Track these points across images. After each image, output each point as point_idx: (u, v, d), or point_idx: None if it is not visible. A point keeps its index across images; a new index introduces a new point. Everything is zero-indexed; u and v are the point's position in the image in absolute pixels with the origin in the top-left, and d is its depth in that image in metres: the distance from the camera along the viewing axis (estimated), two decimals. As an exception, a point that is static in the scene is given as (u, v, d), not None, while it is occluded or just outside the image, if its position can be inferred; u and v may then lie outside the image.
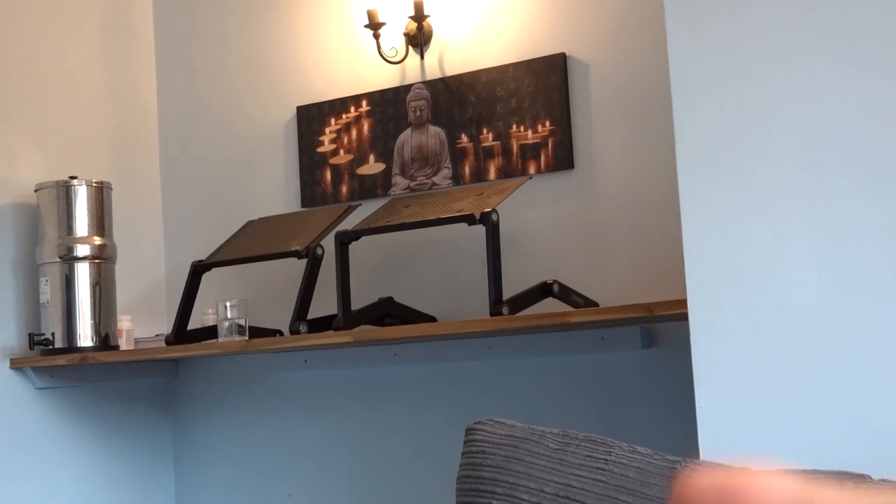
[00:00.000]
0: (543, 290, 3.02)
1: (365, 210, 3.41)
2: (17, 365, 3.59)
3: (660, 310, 2.60)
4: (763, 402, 2.23)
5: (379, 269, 3.51)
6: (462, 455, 2.20)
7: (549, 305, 3.02)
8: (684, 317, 2.34)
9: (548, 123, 3.30)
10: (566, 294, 3.02)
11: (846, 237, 2.20)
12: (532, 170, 3.30)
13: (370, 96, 3.61)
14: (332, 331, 3.10)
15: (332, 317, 3.15)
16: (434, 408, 3.45)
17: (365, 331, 3.14)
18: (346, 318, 3.11)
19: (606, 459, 2.07)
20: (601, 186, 3.22)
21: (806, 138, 2.23)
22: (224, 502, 3.90)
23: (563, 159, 3.27)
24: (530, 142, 3.32)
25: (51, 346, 3.50)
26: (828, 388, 2.20)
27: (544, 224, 3.29)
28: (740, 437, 2.24)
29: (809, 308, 2.22)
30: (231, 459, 3.89)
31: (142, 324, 3.86)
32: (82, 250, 3.56)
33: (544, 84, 3.31)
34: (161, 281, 4.05)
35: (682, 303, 2.35)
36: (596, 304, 3.04)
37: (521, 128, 3.34)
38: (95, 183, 3.61)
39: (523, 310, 2.95)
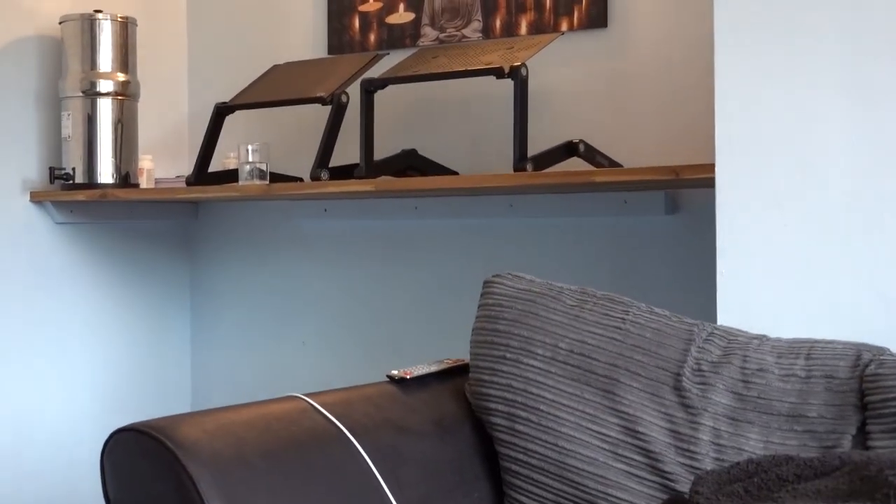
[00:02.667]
0: (569, 149, 2.99)
1: (392, 60, 3.35)
2: (37, 198, 3.60)
3: (686, 173, 2.57)
4: (784, 271, 2.22)
5: (404, 120, 3.47)
6: (478, 307, 2.20)
7: (574, 165, 2.99)
8: (710, 183, 2.32)
9: (583, -21, 3.22)
10: (591, 154, 2.98)
11: (884, 109, 2.15)
12: (564, 26, 3.24)
13: (403, -57, 3.53)
14: (353, 179, 3.08)
15: (354, 166, 3.13)
16: (452, 262, 3.45)
17: (386, 181, 3.12)
18: (368, 167, 3.08)
19: (623, 318, 2.07)
20: (634, 47, 3.16)
21: (847, 1, 2.18)
22: (238, 345, 3.94)
23: (597, 17, 3.20)
24: (564, -3, 3.25)
25: (71, 181, 3.50)
26: (852, 261, 2.18)
27: (573, 83, 3.24)
28: (759, 304, 2.23)
29: (840, 179, 2.19)
30: (246, 303, 3.92)
31: (163, 164, 3.85)
32: (105, 86, 3.53)
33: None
34: (184, 122, 4.03)
35: (710, 167, 2.33)
36: (620, 167, 3.00)
37: (556, -17, 3.26)
38: (120, 18, 3.57)
39: (547, 168, 2.92)
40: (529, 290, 2.17)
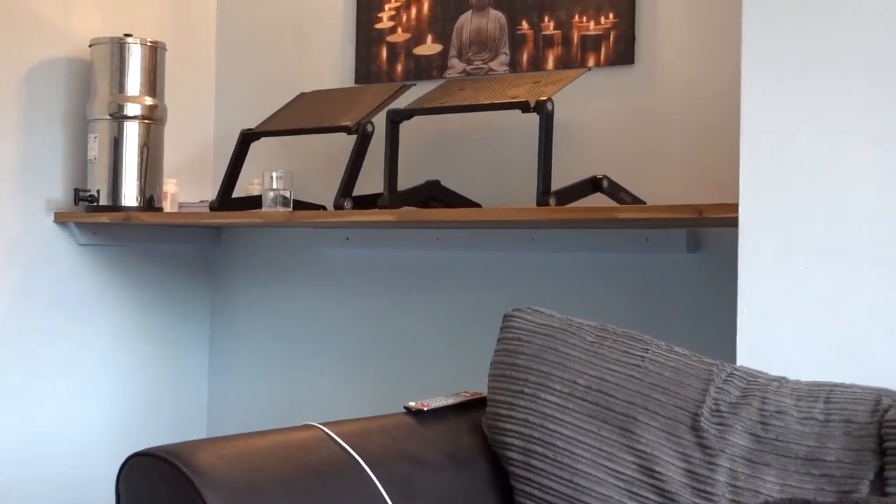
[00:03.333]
0: (592, 185, 2.99)
1: (419, 91, 3.37)
2: (61, 219, 3.62)
3: (710, 212, 2.57)
4: (806, 313, 2.22)
5: (428, 151, 3.49)
6: (498, 341, 2.20)
7: (597, 201, 3.00)
8: (733, 222, 2.32)
9: (611, 16, 3.23)
10: (615, 190, 2.99)
11: (909, 152, 2.15)
12: (591, 62, 3.25)
13: (432, -25, 3.55)
14: (376, 209, 3.09)
15: (378, 195, 3.14)
16: (473, 295, 3.46)
17: (409, 212, 3.13)
18: (392, 197, 3.09)
19: (643, 356, 2.07)
20: (660, 84, 3.16)
21: (879, 44, 2.18)
22: (256, 372, 3.95)
23: (624, 53, 3.21)
24: (592, 33, 3.26)
25: (95, 203, 3.52)
26: (873, 305, 2.18)
27: (599, 119, 3.25)
28: (779, 346, 2.22)
29: (863, 222, 2.19)
30: (266, 330, 3.93)
31: (187, 189, 3.87)
32: (133, 109, 3.56)
33: (610, -25, 3.24)
34: (209, 147, 4.05)
35: (733, 206, 2.33)
36: (644, 203, 3.00)
37: (584, 18, 3.28)
38: (150, 42, 3.60)
39: (571, 203, 2.93)
40: (549, 325, 2.17)
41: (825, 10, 2.23)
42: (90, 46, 3.60)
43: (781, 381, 2.02)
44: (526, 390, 2.08)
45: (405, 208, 3.14)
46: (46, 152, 3.61)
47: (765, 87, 2.28)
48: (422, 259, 3.56)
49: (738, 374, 2.04)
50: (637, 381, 2.03)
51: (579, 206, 2.91)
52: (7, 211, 3.52)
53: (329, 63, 3.78)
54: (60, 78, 3.64)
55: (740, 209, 2.29)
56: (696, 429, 1.96)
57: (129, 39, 3.57)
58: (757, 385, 2.01)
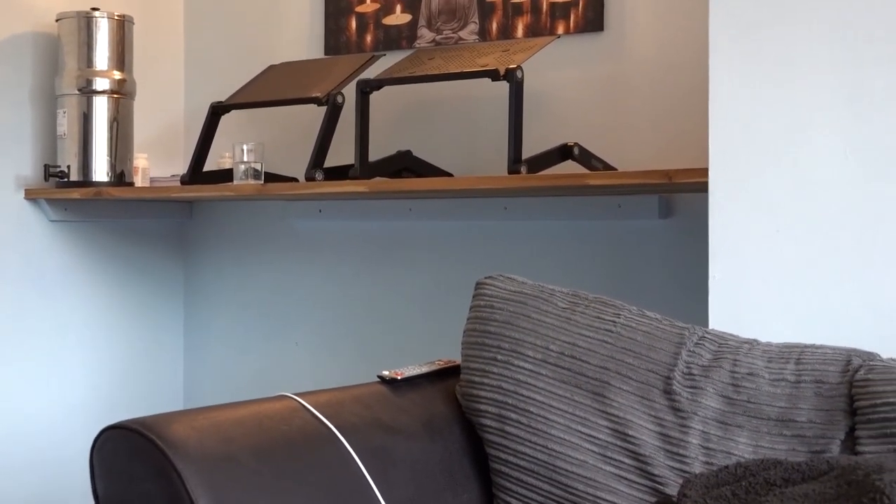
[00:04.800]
0: (563, 152, 3.00)
1: (388, 61, 3.35)
2: (31, 196, 3.60)
3: (680, 177, 2.58)
4: (776, 276, 2.23)
5: (399, 122, 3.48)
6: (470, 309, 2.21)
7: (569, 168, 3.00)
8: (704, 188, 2.33)
9: (580, -17, 3.23)
10: (586, 158, 2.99)
11: (879, 115, 2.16)
12: (560, 30, 3.25)
13: (400, -56, 3.54)
14: (348, 180, 3.08)
15: (349, 166, 3.13)
16: (446, 265, 3.46)
17: (381, 182, 3.13)
18: (363, 168, 3.09)
19: (615, 321, 2.07)
20: (630, 51, 3.16)
21: (847, 2, 2.18)
22: (231, 345, 3.94)
23: (593, 20, 3.21)
24: (561, 1, 3.25)
25: (66, 179, 3.50)
26: (843, 267, 2.19)
27: (569, 86, 3.25)
28: (750, 309, 2.24)
29: (833, 187, 2.20)
30: (240, 303, 3.92)
31: (158, 164, 3.85)
32: (101, 84, 3.53)
33: (579, -58, 3.23)
34: (179, 121, 4.03)
35: (703, 171, 2.34)
36: (615, 170, 3.01)
37: (552, -14, 3.27)
38: (118, 16, 3.57)
39: (542, 170, 2.93)
40: (521, 292, 2.17)
41: (792, -27, 2.23)
42: (57, 21, 3.57)
43: (753, 343, 2.04)
44: (499, 357, 2.09)
45: (377, 179, 3.14)
46: (15, 128, 3.58)
47: (731, 52, 2.28)
48: (394, 229, 3.56)
49: (709, 337, 2.05)
50: (609, 345, 2.04)
51: (550, 174, 2.92)
52: (-24, 188, 3.50)
53: (298, 35, 3.76)
54: (27, 53, 3.61)
55: (710, 174, 2.30)
56: (668, 392, 1.97)
57: (97, 13, 3.54)
58: (728, 348, 2.02)
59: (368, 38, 3.59)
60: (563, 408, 2.01)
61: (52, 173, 3.50)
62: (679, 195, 3.05)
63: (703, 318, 2.26)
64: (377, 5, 3.58)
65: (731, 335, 2.07)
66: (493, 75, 2.95)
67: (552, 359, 2.05)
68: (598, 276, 3.16)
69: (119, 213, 3.83)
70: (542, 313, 2.11)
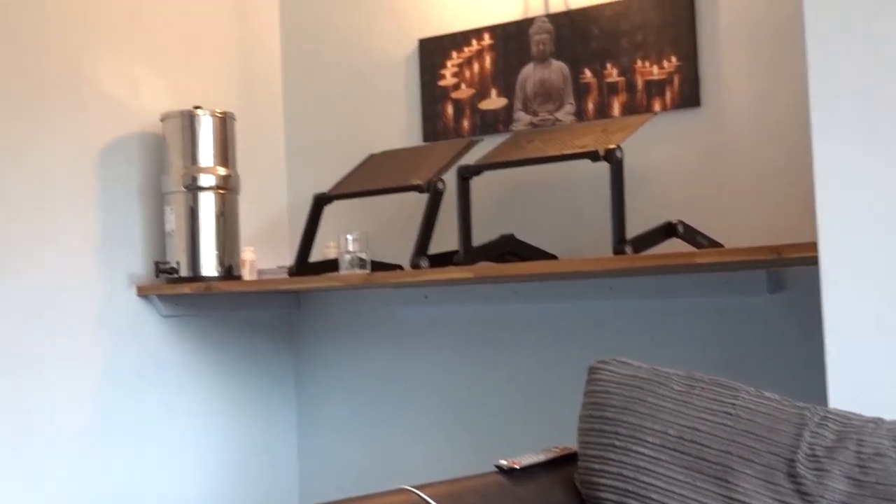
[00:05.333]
0: (667, 230, 2.98)
1: (486, 145, 3.39)
2: (143, 293, 3.66)
3: (789, 252, 2.55)
4: None
5: (500, 205, 3.50)
6: (585, 394, 2.19)
7: (673, 246, 2.98)
8: (814, 261, 2.30)
9: (674, 59, 3.24)
10: (691, 235, 2.98)
11: None
12: (657, 106, 3.25)
13: (492, 30, 3.58)
14: (452, 266, 3.10)
15: (453, 252, 3.15)
16: (553, 347, 3.45)
17: (485, 267, 3.13)
18: (467, 253, 3.10)
19: (733, 404, 2.05)
20: (729, 125, 3.15)
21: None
22: (343, 432, 3.96)
23: (690, 96, 3.21)
24: (655, 78, 3.27)
25: (176, 275, 3.57)
26: (964, 338, 2.14)
27: (669, 162, 3.24)
28: (872, 386, 2.18)
29: (948, 255, 2.15)
30: (351, 391, 3.94)
31: (264, 255, 3.91)
32: (206, 180, 3.60)
33: (671, 17, 3.25)
34: (283, 213, 4.09)
35: (812, 245, 2.30)
36: (721, 246, 2.99)
37: (647, 63, 3.28)
38: (219, 113, 3.64)
39: (646, 249, 2.92)
40: (636, 376, 2.16)
41: (891, 43, 2.21)
42: (161, 120, 3.66)
43: (877, 422, 1.99)
44: (617, 443, 2.07)
45: (481, 264, 3.15)
46: (125, 227, 3.66)
47: (834, 120, 2.24)
48: (500, 313, 3.57)
49: (831, 416, 2.02)
50: (729, 428, 2.01)
51: (656, 254, 2.90)
52: (92, 287, 3.57)
53: (396, 123, 3.81)
54: (135, 153, 3.70)
55: (820, 247, 2.26)
56: (793, 475, 1.94)
57: (199, 111, 3.61)
58: (852, 427, 1.98)
59: (465, 123, 3.62)
60: (686, 494, 1.98)
61: (162, 269, 3.57)
62: (788, 268, 3.01)
63: (821, 396, 2.22)
64: (472, 91, 3.61)
65: (853, 414, 2.03)
66: (593, 156, 2.96)
67: (671, 443, 2.03)
68: (709, 355, 3.12)
69: (229, 306, 3.88)
70: (659, 397, 2.10)
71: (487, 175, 3.24)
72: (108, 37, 3.66)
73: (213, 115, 3.63)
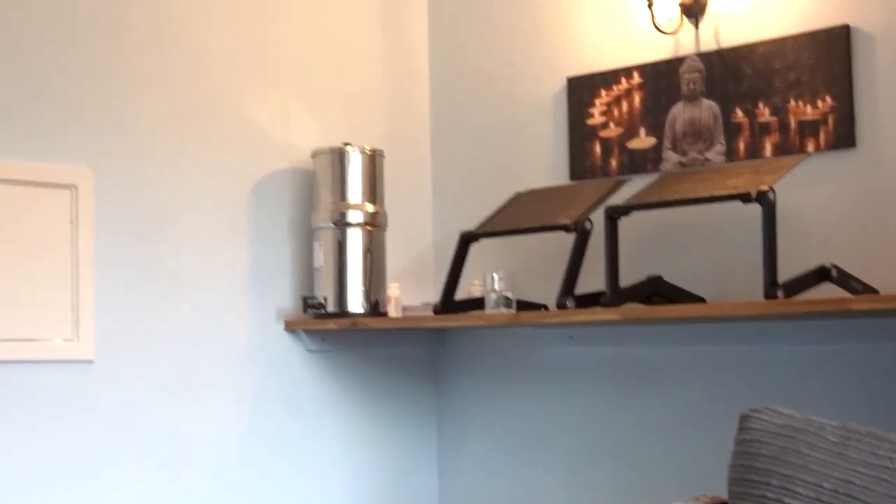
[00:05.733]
0: (820, 275, 2.92)
1: (634, 185, 3.37)
2: (291, 327, 3.72)
3: (948, 300, 2.47)
4: None
5: (647, 245, 3.47)
6: (736, 443, 2.16)
7: (826, 291, 2.92)
8: (977, 308, 2.23)
9: (828, 99, 3.17)
10: (845, 279, 2.91)
11: None
12: (810, 147, 3.19)
13: (642, 68, 3.56)
14: (599, 307, 3.08)
15: (600, 293, 3.13)
16: (700, 391, 3.40)
17: (633, 309, 3.11)
18: (614, 294, 3.08)
19: (891, 457, 2.00)
20: (885, 166, 3.08)
21: None
22: (484, 471, 3.95)
23: (845, 137, 3.14)
24: (809, 118, 3.21)
25: (323, 311, 3.61)
26: None
27: (822, 204, 3.17)
28: None
29: None
30: (492, 429, 3.93)
31: (409, 292, 3.91)
32: (355, 216, 3.64)
33: (826, 57, 3.19)
34: (429, 250, 4.12)
35: (975, 295, 2.24)
36: (876, 292, 2.91)
37: (800, 103, 3.23)
38: (369, 150, 3.69)
39: (798, 294, 2.86)
40: (789, 426, 2.11)
41: None
42: (312, 157, 3.73)
43: None
44: (769, 494, 2.03)
45: (628, 305, 3.12)
46: (275, 262, 3.73)
47: None
48: (646, 355, 3.53)
49: None
50: (887, 483, 1.96)
51: (809, 299, 2.85)
52: (241, 320, 3.64)
53: (543, 161, 3.81)
54: (285, 189, 3.77)
55: (984, 297, 2.20)
56: (954, 535, 1.88)
57: (349, 148, 3.66)
58: None
59: (613, 162, 3.61)
60: (840, 549, 1.93)
61: (310, 305, 3.62)
62: (946, 314, 2.93)
63: (984, 451, 2.14)
64: (621, 130, 3.60)
65: None
66: (745, 198, 2.92)
67: (826, 497, 1.98)
68: (861, 403, 3.03)
69: (373, 342, 3.91)
70: (813, 448, 2.05)
71: (634, 214, 3.21)
72: (265, 75, 3.76)
73: (362, 151, 3.67)
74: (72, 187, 3.28)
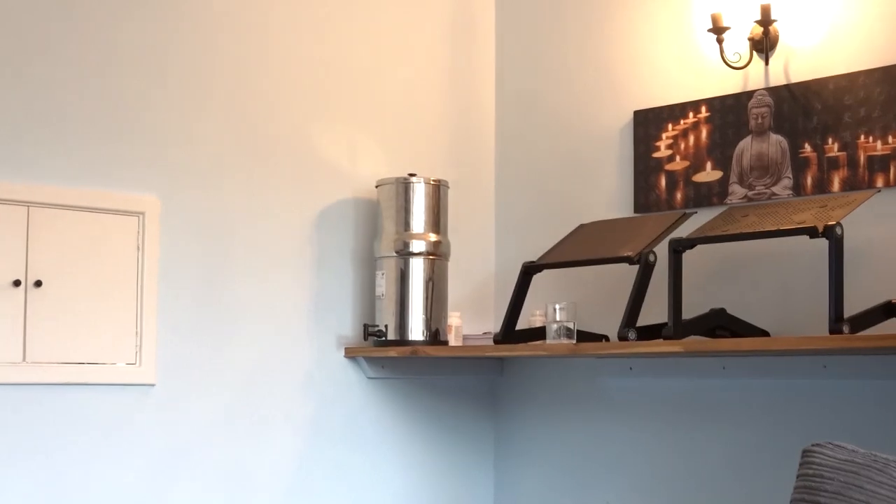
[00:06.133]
0: (887, 310, 2.89)
1: (699, 218, 3.36)
2: (351, 354, 3.74)
3: None
4: None
5: (711, 279, 3.44)
6: (798, 477, 2.13)
7: (893, 327, 2.88)
8: None
9: (899, 135, 3.14)
10: (912, 315, 2.87)
11: None
12: (880, 182, 3.16)
13: (709, 102, 3.55)
14: (661, 339, 3.06)
15: (661, 325, 3.11)
16: (762, 425, 3.36)
17: (695, 341, 3.09)
18: (677, 327, 3.06)
19: (957, 495, 1.96)
20: (957, 202, 3.04)
21: None
22: (542, 502, 3.93)
23: (915, 173, 3.11)
24: (879, 153, 3.17)
25: (384, 338, 3.62)
26: None
27: (890, 241, 3.13)
28: None
29: None
30: (550, 461, 3.91)
31: (470, 321, 3.94)
32: (418, 246, 3.66)
33: (897, 93, 3.16)
34: (490, 279, 4.11)
35: None
36: (944, 329, 2.87)
37: (870, 138, 3.19)
38: (433, 181, 3.70)
39: (865, 329, 2.83)
40: (852, 461, 2.08)
41: None
42: (376, 187, 3.75)
43: None
44: (831, 530, 2.00)
45: (691, 338, 3.10)
46: (337, 290, 3.76)
47: None
48: (707, 388, 3.50)
49: None
50: (952, 521, 1.92)
51: (876, 334, 2.81)
52: (302, 347, 3.67)
53: (607, 194, 3.80)
54: (349, 218, 3.80)
55: None
56: None
57: (413, 179, 3.68)
58: None
59: (678, 196, 3.59)
60: (904, 587, 1.90)
61: (371, 332, 3.63)
62: None
63: None
64: (687, 163, 3.58)
65: None
66: (812, 232, 2.90)
67: (889, 534, 1.95)
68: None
69: (433, 371, 3.91)
70: (877, 484, 2.02)
71: (698, 247, 3.19)
72: (331, 105, 3.80)
73: (426, 182, 3.69)
74: (139, 214, 3.33)
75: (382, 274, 3.67)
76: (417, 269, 3.66)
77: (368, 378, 3.78)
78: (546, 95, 4.03)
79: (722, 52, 3.43)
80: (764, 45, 3.41)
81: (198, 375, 3.44)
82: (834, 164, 3.25)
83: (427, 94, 4.04)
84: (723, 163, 3.50)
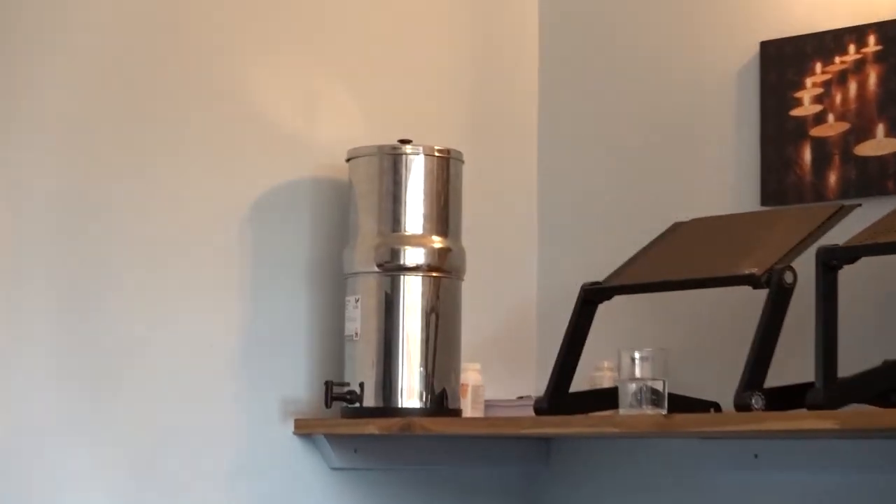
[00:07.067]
0: None
1: (866, 213, 3.28)
2: (304, 430, 3.70)
3: None
4: None
5: (881, 314, 3.41)
6: None
7: None
8: None
9: None
10: None
11: None
12: None
13: (880, 28, 3.50)
14: (804, 409, 2.95)
15: (806, 386, 3.00)
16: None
17: (859, 414, 2.99)
18: (829, 389, 2.95)
19: None
20: None
21: None
22: None
23: None
24: None
25: (358, 404, 3.55)
26: None
27: None
28: None
29: None
30: None
31: (496, 378, 3.89)
32: (413, 256, 3.59)
33: None
34: (530, 310, 4.13)
35: None
36: None
37: None
38: (439, 151, 3.66)
39: None
40: None
41: None
42: (348, 161, 3.72)
43: None
44: None
45: (852, 408, 3.01)
46: (283, 325, 3.74)
47: None
48: (874, 487, 3.46)
49: None
50: None
51: None
52: (225, 418, 3.61)
53: (715, 177, 3.82)
54: (304, 210, 3.80)
55: None
56: None
57: (407, 148, 3.65)
58: None
59: (832, 178, 3.55)
60: None
61: (336, 395, 3.55)
62: None
63: None
64: (845, 125, 3.53)
65: None
66: None
67: None
68: None
69: (437, 458, 3.87)
70: None
71: (863, 261, 3.09)
72: (280, 35, 3.82)
73: (428, 153, 3.67)
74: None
75: (356, 300, 3.61)
76: (413, 292, 3.59)
77: (332, 469, 3.73)
78: (620, 21, 4.06)
79: (903, -52, 3.44)
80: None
81: (63, 459, 3.35)
82: None
83: (429, 16, 4.05)
84: (903, 130, 3.47)
